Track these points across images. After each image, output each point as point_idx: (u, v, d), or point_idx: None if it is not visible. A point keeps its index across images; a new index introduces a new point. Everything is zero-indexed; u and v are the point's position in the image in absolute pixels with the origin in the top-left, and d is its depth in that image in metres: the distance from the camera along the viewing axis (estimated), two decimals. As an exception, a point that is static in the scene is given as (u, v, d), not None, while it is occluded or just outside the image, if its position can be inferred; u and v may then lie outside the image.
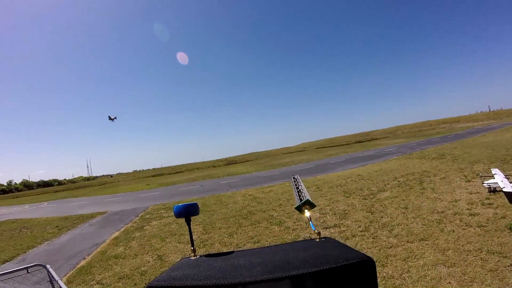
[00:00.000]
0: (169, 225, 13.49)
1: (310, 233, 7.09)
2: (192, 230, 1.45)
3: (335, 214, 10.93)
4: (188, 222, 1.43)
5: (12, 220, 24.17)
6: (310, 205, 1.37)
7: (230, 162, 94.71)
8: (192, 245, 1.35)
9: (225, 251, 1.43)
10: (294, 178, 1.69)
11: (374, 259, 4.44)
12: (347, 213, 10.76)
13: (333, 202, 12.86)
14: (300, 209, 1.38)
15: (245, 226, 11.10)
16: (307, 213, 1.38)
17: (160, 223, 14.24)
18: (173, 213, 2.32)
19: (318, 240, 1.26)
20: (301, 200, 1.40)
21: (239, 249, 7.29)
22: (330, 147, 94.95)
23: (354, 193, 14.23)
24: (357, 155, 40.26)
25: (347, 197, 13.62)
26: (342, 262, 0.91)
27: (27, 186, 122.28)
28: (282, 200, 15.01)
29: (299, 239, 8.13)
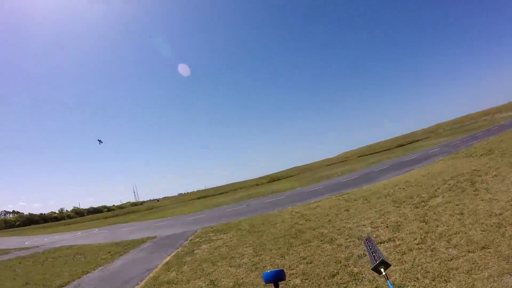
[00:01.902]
0: (219, 248, 13.58)
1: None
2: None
3: (387, 226, 10.49)
4: (277, 287, 1.63)
5: (66, 247, 25.27)
6: (385, 264, 1.49)
7: (273, 179, 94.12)
8: None
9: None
10: (367, 240, 1.82)
11: (435, 275, 4.42)
12: (400, 225, 10.31)
13: (383, 214, 12.36)
14: (376, 269, 1.52)
15: (295, 246, 10.85)
16: (383, 272, 1.51)
17: (210, 247, 14.34)
18: (262, 278, 2.60)
19: None
20: (376, 260, 1.53)
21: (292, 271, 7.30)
22: (371, 154, 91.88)
23: (404, 202, 13.65)
24: (400, 160, 38.62)
25: (397, 207, 13.06)
26: None
27: (78, 213, 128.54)
28: (331, 216, 14.55)
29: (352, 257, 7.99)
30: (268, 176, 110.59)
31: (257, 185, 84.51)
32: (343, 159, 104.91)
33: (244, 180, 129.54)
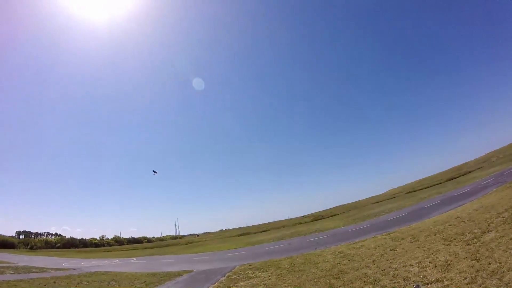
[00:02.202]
0: (256, 286, 13.29)
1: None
2: None
3: (436, 266, 9.95)
4: None
5: (102, 272, 25.08)
6: None
7: (316, 217, 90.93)
8: None
9: None
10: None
11: None
12: (449, 264, 9.74)
13: (432, 253, 11.73)
14: None
15: (337, 287, 10.52)
16: None
17: (247, 284, 14.05)
18: None
19: None
20: None
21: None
22: (421, 189, 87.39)
23: (455, 239, 12.87)
24: (452, 194, 36.36)
25: (447, 245, 12.35)
26: None
27: (118, 241, 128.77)
28: (376, 256, 13.96)
29: None
30: (312, 214, 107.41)
31: (300, 223, 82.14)
32: (391, 196, 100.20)
33: (287, 218, 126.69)
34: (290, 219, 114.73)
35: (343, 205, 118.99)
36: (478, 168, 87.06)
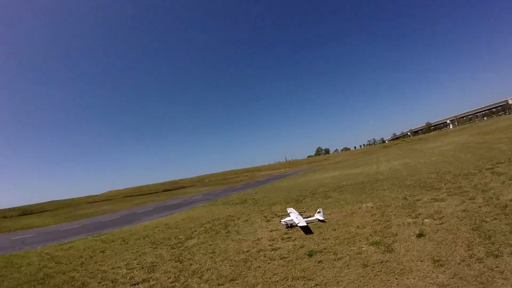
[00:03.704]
0: None
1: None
2: None
3: (142, 267, 10.32)
4: None
5: None
6: None
7: (25, 212, 77.74)
8: None
9: None
10: None
11: None
12: (155, 265, 10.32)
13: (140, 255, 12.17)
14: None
15: None
16: None
17: None
18: None
19: None
20: None
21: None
22: (138, 196, 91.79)
23: (161, 243, 13.90)
24: (165, 204, 40.27)
25: (154, 248, 13.17)
26: None
27: None
28: (85, 258, 13.29)
29: None
30: (19, 207, 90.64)
31: (5, 217, 67.59)
32: (107, 198, 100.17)
33: None
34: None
35: (56, 201, 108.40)
36: (192, 186, 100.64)
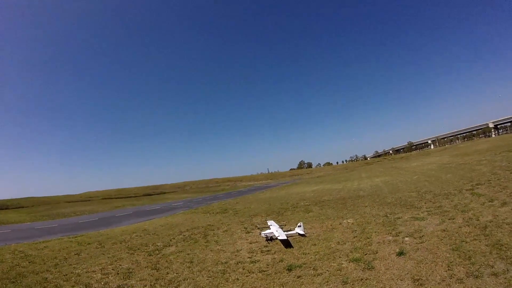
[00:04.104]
0: None
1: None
2: None
3: (118, 273, 10.07)
4: None
5: None
6: None
7: (0, 206, 75.63)
8: None
9: None
10: None
11: None
12: (131, 272, 10.07)
13: (116, 260, 11.91)
14: None
15: None
16: None
17: None
18: None
19: None
20: None
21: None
22: (118, 198, 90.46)
23: (139, 249, 13.60)
24: (144, 209, 39.68)
25: (131, 253, 12.87)
26: None
27: None
28: (59, 259, 12.97)
29: None
30: None
31: None
32: (87, 198, 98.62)
33: None
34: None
35: (34, 197, 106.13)
36: (173, 192, 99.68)
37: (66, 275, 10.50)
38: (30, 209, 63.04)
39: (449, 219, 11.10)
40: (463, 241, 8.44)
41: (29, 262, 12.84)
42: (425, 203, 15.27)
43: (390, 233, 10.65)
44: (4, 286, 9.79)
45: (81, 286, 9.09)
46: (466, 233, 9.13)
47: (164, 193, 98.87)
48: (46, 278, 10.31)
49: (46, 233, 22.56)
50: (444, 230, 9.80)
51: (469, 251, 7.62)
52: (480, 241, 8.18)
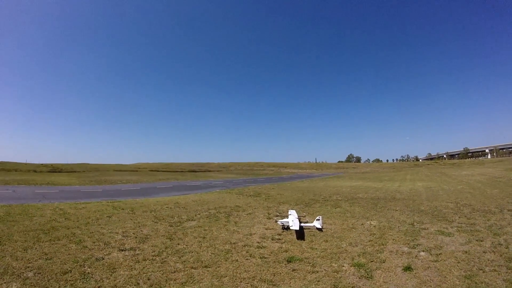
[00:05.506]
0: None
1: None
2: None
3: (136, 237, 11.05)
4: None
5: None
6: None
7: (55, 169, 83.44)
8: None
9: None
10: None
11: (154, 282, 5.02)
12: (148, 238, 10.99)
13: (139, 226, 12.95)
14: None
15: (42, 242, 10.32)
16: None
17: None
18: None
19: None
20: None
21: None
22: (164, 171, 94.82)
23: (164, 219, 14.55)
24: (185, 184, 41.56)
25: (155, 222, 13.86)
26: None
27: None
28: (91, 219, 14.33)
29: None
30: (51, 165, 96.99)
31: (35, 171, 72.95)
32: (135, 169, 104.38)
33: (24, 162, 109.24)
34: (27, 164, 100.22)
35: (87, 164, 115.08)
36: (218, 171, 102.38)
37: (92, 232, 11.68)
38: (80, 174, 68.22)
39: (477, 240, 10.45)
40: (481, 269, 7.87)
41: (65, 219, 14.31)
42: (459, 217, 14.53)
43: (408, 244, 10.28)
44: (37, 235, 11.14)
45: (100, 244, 10.10)
46: (488, 260, 8.51)
47: (209, 171, 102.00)
48: (74, 233, 11.54)
49: (89, 196, 24.67)
50: (466, 252, 9.24)
51: (482, 282, 7.08)
52: (499, 274, 7.56)
